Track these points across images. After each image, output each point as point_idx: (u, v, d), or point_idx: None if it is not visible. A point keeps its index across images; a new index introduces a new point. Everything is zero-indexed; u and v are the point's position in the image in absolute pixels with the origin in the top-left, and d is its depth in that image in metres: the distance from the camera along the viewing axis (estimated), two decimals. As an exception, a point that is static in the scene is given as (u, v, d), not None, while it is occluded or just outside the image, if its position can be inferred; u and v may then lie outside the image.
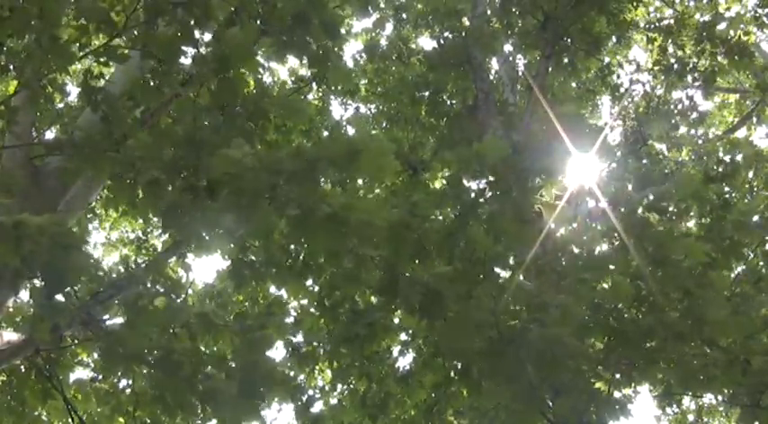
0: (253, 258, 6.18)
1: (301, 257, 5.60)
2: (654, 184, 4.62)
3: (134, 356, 3.89)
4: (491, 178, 5.00)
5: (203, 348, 4.83)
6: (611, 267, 4.61)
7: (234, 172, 3.07)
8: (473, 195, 5.00)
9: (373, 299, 6.33)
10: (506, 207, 4.45)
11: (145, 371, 4.14)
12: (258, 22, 4.61)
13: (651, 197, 4.54)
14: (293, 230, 3.13)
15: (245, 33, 3.90)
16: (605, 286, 5.29)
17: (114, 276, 8.89)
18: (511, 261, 4.63)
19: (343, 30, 8.97)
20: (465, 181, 5.90)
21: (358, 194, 3.32)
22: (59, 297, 3.83)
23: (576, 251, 4.86)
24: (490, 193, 5.03)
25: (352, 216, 3.05)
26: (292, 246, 6.02)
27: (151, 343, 3.96)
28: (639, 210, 4.69)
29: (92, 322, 4.93)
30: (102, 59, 4.09)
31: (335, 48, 5.28)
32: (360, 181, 7.81)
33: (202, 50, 4.05)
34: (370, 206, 3.14)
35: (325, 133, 9.50)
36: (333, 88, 10.27)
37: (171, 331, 4.47)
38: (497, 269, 4.68)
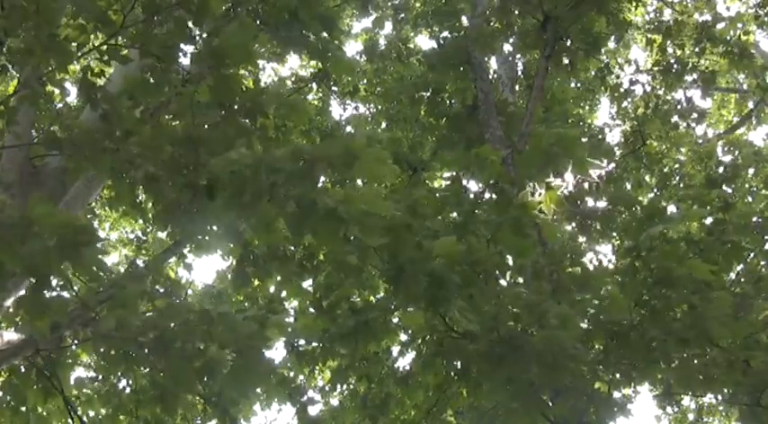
0: (256, 254, 6.17)
1: (297, 257, 5.59)
2: (660, 215, 4.64)
3: (128, 339, 3.88)
4: (490, 182, 4.99)
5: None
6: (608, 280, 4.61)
7: (233, 171, 3.08)
8: (472, 198, 4.99)
9: (372, 299, 6.32)
10: (505, 218, 4.45)
11: (140, 354, 4.12)
12: (256, 19, 4.62)
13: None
14: (293, 227, 3.13)
15: (243, 29, 3.90)
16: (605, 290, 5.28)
17: (114, 275, 8.89)
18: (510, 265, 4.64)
19: (343, 28, 8.98)
20: (464, 182, 5.90)
21: (357, 189, 3.30)
22: (53, 294, 3.82)
23: (573, 255, 4.85)
24: (488, 196, 5.02)
25: (352, 208, 3.05)
26: (291, 247, 6.02)
27: (144, 326, 3.95)
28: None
29: (91, 321, 4.93)
30: (104, 58, 4.09)
31: (335, 41, 5.29)
32: (359, 182, 7.79)
33: (200, 48, 4.05)
34: (369, 197, 3.14)
35: (326, 133, 9.49)
36: (333, 86, 10.29)
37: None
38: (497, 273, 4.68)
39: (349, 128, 10.41)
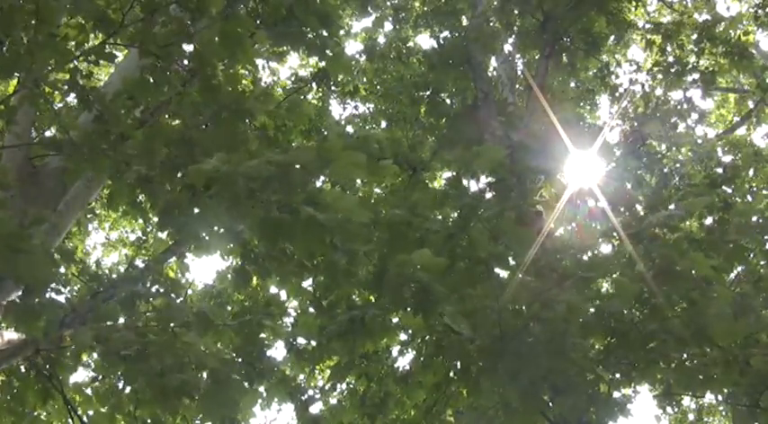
0: (256, 253, 6.17)
1: (296, 256, 5.58)
2: (663, 204, 4.64)
3: (111, 353, 3.89)
4: (491, 179, 4.99)
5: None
6: (613, 266, 4.60)
7: (213, 178, 3.06)
8: (474, 195, 4.98)
9: (372, 298, 6.31)
10: (506, 209, 4.44)
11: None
12: (255, 18, 4.62)
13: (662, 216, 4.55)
14: (273, 233, 3.10)
15: (234, 26, 3.90)
16: (607, 287, 5.27)
17: (114, 276, 8.90)
18: (511, 261, 4.63)
19: (341, 31, 8.99)
20: (465, 181, 5.89)
21: (343, 193, 3.27)
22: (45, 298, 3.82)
23: (576, 251, 4.85)
24: (490, 194, 5.02)
25: (332, 215, 3.02)
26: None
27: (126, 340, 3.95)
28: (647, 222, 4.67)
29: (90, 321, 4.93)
30: (91, 58, 4.09)
31: (333, 38, 5.29)
32: (359, 181, 7.81)
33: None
34: (349, 203, 3.11)
35: (325, 133, 9.50)
36: (333, 86, 10.29)
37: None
38: (497, 270, 4.67)
39: (349, 129, 10.42)
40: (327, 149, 3.08)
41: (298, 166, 3.05)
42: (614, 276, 4.54)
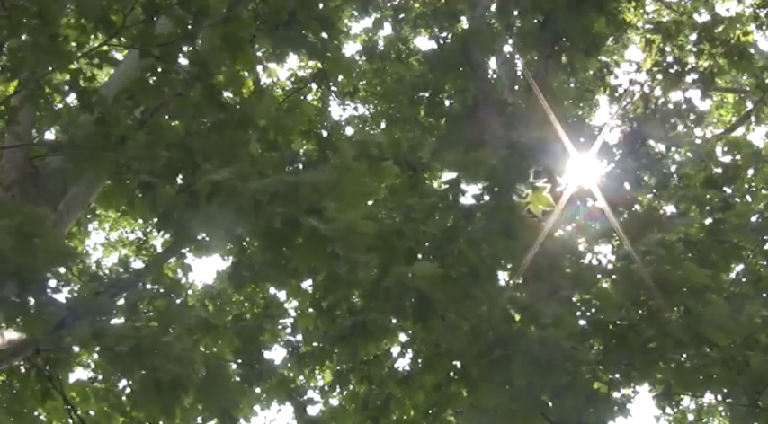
0: (251, 260, 6.18)
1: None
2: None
3: (105, 348, 3.88)
4: (486, 183, 4.98)
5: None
6: (601, 275, 4.62)
7: (218, 186, 3.06)
8: (471, 201, 4.98)
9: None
10: (494, 220, 4.43)
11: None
12: (256, 20, 4.62)
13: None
14: (276, 244, 3.10)
15: (236, 29, 3.90)
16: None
17: (114, 276, 8.90)
18: (509, 265, 4.63)
19: (342, 28, 8.99)
20: (464, 185, 5.89)
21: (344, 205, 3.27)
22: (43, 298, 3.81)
23: (573, 255, 4.85)
24: (485, 200, 5.01)
25: (336, 227, 3.03)
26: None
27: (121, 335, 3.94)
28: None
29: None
30: (95, 62, 4.10)
31: (333, 41, 5.30)
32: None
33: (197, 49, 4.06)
34: (353, 216, 3.11)
35: (324, 133, 9.50)
36: (332, 86, 10.30)
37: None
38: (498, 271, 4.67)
39: (349, 130, 10.43)
40: (342, 175, 3.08)
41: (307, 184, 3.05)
42: (602, 284, 4.56)
